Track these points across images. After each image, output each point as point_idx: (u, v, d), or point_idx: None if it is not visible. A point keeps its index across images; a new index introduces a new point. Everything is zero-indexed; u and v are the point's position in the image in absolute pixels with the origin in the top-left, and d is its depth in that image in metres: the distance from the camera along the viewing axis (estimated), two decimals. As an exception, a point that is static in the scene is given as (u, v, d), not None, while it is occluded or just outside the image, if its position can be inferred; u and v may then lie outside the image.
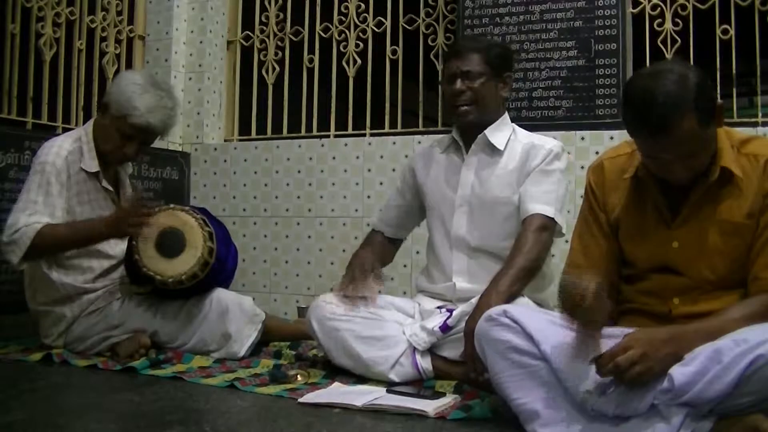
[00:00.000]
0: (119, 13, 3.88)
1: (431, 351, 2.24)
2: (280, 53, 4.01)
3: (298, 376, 2.27)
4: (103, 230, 2.51)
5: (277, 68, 4.01)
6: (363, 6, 3.83)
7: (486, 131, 2.39)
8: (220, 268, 2.68)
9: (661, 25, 3.31)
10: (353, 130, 3.84)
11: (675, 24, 3.29)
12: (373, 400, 1.96)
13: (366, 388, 2.15)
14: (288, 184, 3.83)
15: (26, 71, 3.36)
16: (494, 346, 1.73)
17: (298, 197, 3.80)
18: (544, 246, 2.25)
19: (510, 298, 2.09)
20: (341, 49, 3.86)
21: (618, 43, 3.29)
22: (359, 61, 3.81)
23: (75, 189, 2.59)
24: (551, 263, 2.45)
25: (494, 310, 1.77)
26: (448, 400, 1.99)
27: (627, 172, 1.79)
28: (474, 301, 2.16)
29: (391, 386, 2.13)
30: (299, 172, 3.81)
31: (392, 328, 2.30)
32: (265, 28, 4.07)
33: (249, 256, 3.83)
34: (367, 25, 3.82)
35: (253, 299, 2.78)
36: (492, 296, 2.08)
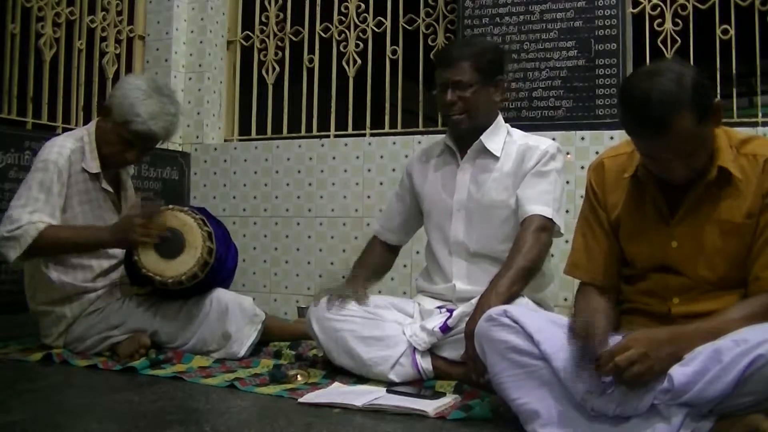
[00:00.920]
0: (119, 13, 3.88)
1: (431, 351, 2.24)
2: (280, 53, 4.01)
3: (298, 376, 2.27)
4: (107, 238, 2.51)
5: (277, 68, 4.01)
6: (363, 6, 3.84)
7: (482, 137, 2.37)
8: (220, 268, 2.68)
9: (661, 25, 3.31)
10: (353, 130, 3.84)
11: (675, 24, 3.29)
12: (373, 400, 1.96)
13: (366, 388, 2.15)
14: (288, 184, 3.83)
15: (26, 71, 3.36)
16: (494, 346, 1.73)
17: (298, 197, 3.80)
18: (544, 247, 2.25)
19: (509, 299, 2.09)
20: (341, 49, 3.86)
21: (618, 43, 3.29)
22: (359, 61, 3.81)
23: (75, 189, 2.59)
24: (551, 263, 2.45)
25: (494, 311, 1.78)
26: (448, 400, 1.99)
27: (627, 171, 1.79)
28: (474, 301, 2.16)
29: (391, 386, 2.13)
30: (299, 172, 3.81)
31: (392, 328, 2.30)
32: (265, 28, 4.07)
33: (249, 256, 3.83)
34: (367, 25, 3.82)
35: (253, 299, 2.78)
36: (491, 297, 2.08)
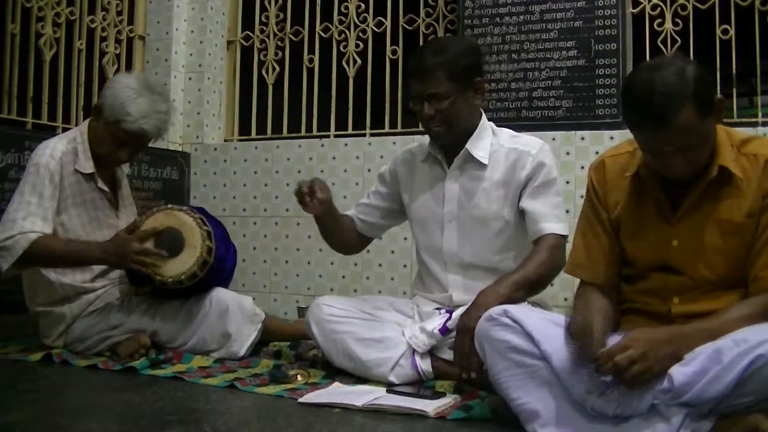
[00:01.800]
0: (119, 13, 3.88)
1: (431, 352, 2.23)
2: (280, 53, 4.01)
3: (298, 376, 2.27)
4: (98, 256, 2.51)
5: (277, 68, 4.01)
6: (363, 6, 3.84)
7: (467, 145, 2.30)
8: (220, 267, 2.68)
9: (661, 25, 3.31)
10: (353, 130, 3.84)
11: (675, 24, 3.29)
12: (373, 400, 1.96)
13: (366, 388, 2.15)
14: (288, 184, 3.82)
15: (26, 71, 3.37)
16: (494, 346, 1.73)
17: (298, 197, 3.79)
18: (556, 266, 2.19)
19: (509, 302, 2.03)
20: (341, 49, 3.86)
21: (618, 43, 3.29)
22: (359, 61, 3.81)
23: (69, 190, 2.58)
24: (556, 276, 2.43)
25: (495, 310, 1.77)
26: (448, 400, 1.99)
27: (628, 170, 1.79)
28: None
29: (391, 387, 2.13)
30: (299, 172, 3.81)
31: (391, 329, 2.30)
32: (265, 28, 4.07)
33: (249, 256, 3.83)
34: (367, 25, 3.82)
35: (253, 299, 2.77)
36: (491, 296, 2.06)
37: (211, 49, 4.09)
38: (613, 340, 1.59)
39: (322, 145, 3.79)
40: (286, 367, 2.40)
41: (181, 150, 4.05)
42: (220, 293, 2.67)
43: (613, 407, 1.57)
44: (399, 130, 3.72)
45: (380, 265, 3.54)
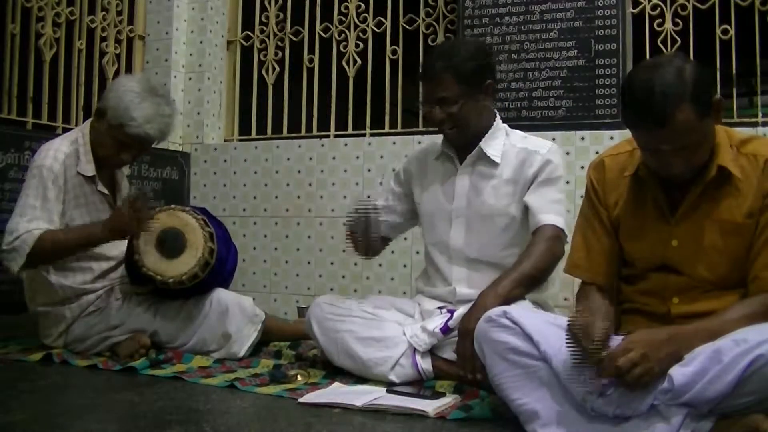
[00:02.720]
0: (119, 13, 3.88)
1: (431, 352, 2.24)
2: (280, 53, 4.01)
3: (298, 376, 2.27)
4: (101, 234, 2.50)
5: (277, 68, 4.01)
6: (363, 6, 3.84)
7: (481, 144, 2.33)
8: (221, 268, 2.68)
9: (661, 25, 3.31)
10: (353, 130, 3.84)
11: (675, 24, 3.29)
12: (373, 400, 1.96)
13: (366, 388, 2.15)
14: (288, 184, 3.83)
15: (26, 71, 3.37)
16: (494, 347, 1.73)
17: (298, 197, 3.80)
18: (555, 257, 2.21)
19: (509, 301, 2.05)
20: (341, 49, 3.86)
21: (618, 43, 3.29)
22: (359, 61, 3.81)
23: (72, 193, 2.58)
24: (555, 268, 2.43)
25: (494, 312, 1.77)
26: (448, 400, 1.99)
27: (627, 170, 1.79)
28: (475, 302, 2.17)
29: (391, 387, 2.13)
30: (299, 172, 3.81)
31: (392, 328, 2.30)
32: (265, 28, 4.07)
33: (249, 256, 3.83)
34: (367, 25, 3.82)
35: (253, 299, 2.78)
36: (490, 296, 2.07)
37: (211, 49, 4.09)
38: (614, 341, 1.59)
39: (322, 145, 3.79)
40: (286, 367, 2.40)
41: (181, 150, 4.05)
42: (220, 294, 2.67)
43: (613, 408, 1.57)
44: (399, 130, 3.72)
45: (380, 265, 3.54)
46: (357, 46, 3.82)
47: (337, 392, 2.09)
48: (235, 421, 1.83)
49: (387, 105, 3.76)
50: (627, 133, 1.72)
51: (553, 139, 3.19)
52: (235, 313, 2.62)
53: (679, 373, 1.50)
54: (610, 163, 1.86)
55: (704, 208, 1.70)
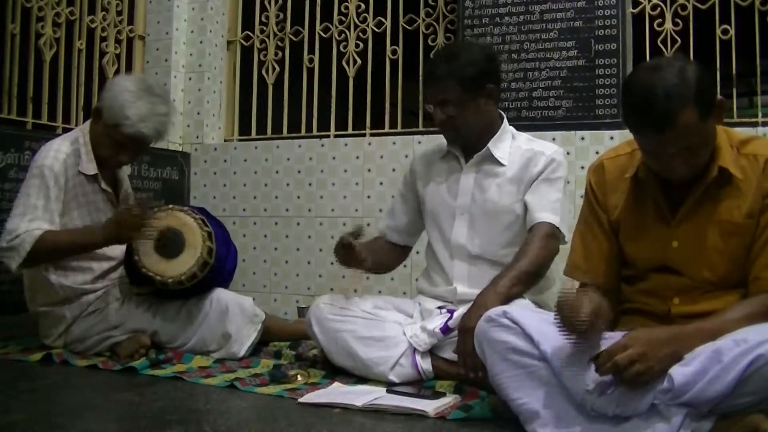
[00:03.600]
0: (119, 13, 3.88)
1: (431, 352, 2.24)
2: (280, 53, 4.01)
3: (298, 376, 2.27)
4: (102, 237, 2.50)
5: (277, 68, 4.01)
6: (363, 6, 3.84)
7: (489, 145, 2.35)
8: (220, 268, 2.68)
9: (661, 25, 3.31)
10: (353, 130, 3.84)
11: (675, 24, 3.29)
12: (373, 400, 1.96)
13: (366, 388, 2.15)
14: (288, 184, 3.83)
15: (26, 71, 3.37)
16: (494, 347, 1.73)
17: (298, 197, 3.80)
18: (550, 254, 2.23)
19: (508, 300, 2.08)
20: (341, 49, 3.86)
21: (618, 43, 3.29)
22: (359, 61, 3.81)
23: (72, 192, 2.58)
24: (551, 265, 2.44)
25: (494, 311, 1.77)
26: (448, 400, 1.99)
27: (627, 171, 1.79)
28: (475, 301, 2.17)
29: (391, 386, 2.13)
30: (299, 172, 3.81)
31: (392, 328, 2.30)
32: (265, 28, 4.07)
33: (249, 256, 3.83)
34: (367, 25, 3.82)
35: (253, 299, 2.78)
36: (490, 296, 2.08)
37: (211, 49, 4.09)
38: (614, 338, 1.59)
39: (322, 145, 3.79)
40: (286, 367, 2.40)
41: (181, 150, 4.05)
42: (220, 294, 2.68)
43: (613, 407, 1.57)
44: (399, 130, 3.72)
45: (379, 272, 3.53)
46: (357, 46, 3.82)
47: (337, 392, 2.09)
48: (235, 421, 1.83)
49: (387, 105, 3.76)
50: (627, 134, 1.72)
51: (553, 139, 3.20)
52: (235, 313, 2.62)
53: (679, 372, 1.50)
54: (610, 166, 1.86)
55: (704, 209, 1.70)
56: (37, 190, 2.49)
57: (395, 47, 3.74)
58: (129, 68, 3.94)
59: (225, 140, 4.15)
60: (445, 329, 2.20)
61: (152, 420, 1.82)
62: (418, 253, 3.33)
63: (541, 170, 2.31)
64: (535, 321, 1.73)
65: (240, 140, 4.12)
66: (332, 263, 3.62)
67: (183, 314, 2.64)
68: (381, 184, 3.62)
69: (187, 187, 4.02)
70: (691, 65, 1.61)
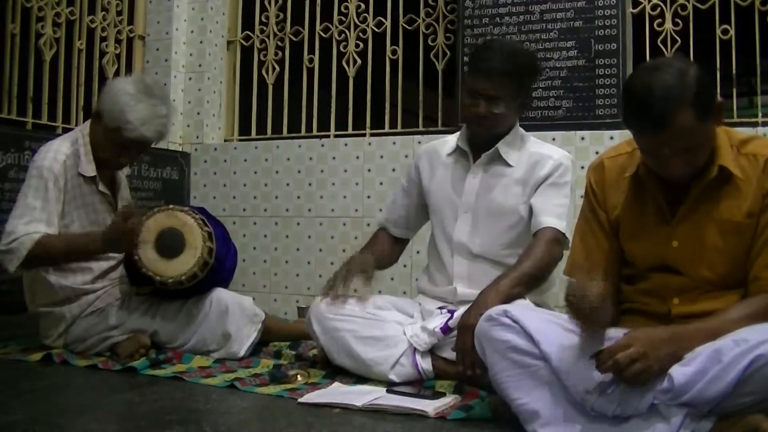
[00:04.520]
0: (119, 13, 3.88)
1: (432, 351, 2.24)
2: (280, 53, 4.01)
3: (298, 376, 2.27)
4: (100, 246, 2.50)
5: (277, 68, 4.01)
6: (363, 6, 3.84)
7: (498, 146, 2.35)
8: (220, 268, 2.68)
9: (661, 25, 3.31)
10: (353, 130, 3.84)
11: (675, 24, 3.29)
12: (373, 400, 1.96)
13: (366, 388, 2.15)
14: (288, 184, 3.83)
15: (26, 71, 3.37)
16: (494, 346, 1.73)
17: (298, 197, 3.80)
18: (554, 259, 2.24)
19: (508, 300, 2.08)
20: (341, 49, 3.86)
21: (618, 43, 3.29)
22: (359, 61, 3.81)
23: (71, 194, 2.58)
24: (554, 269, 2.44)
25: (494, 310, 1.78)
26: (448, 400, 1.99)
27: (627, 171, 1.79)
28: (475, 301, 2.18)
29: (391, 386, 2.13)
30: (299, 172, 3.81)
31: (392, 328, 2.30)
32: (265, 28, 4.07)
33: (249, 256, 3.83)
34: (367, 25, 3.82)
35: (253, 299, 2.78)
36: (491, 295, 2.08)
37: (211, 49, 4.09)
38: (614, 334, 1.59)
39: (322, 145, 3.79)
40: (286, 367, 2.40)
41: (181, 150, 4.05)
42: (220, 293, 2.67)
43: (613, 407, 1.58)
44: (399, 130, 3.72)
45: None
46: (357, 46, 3.82)
47: (337, 392, 2.09)
48: (235, 421, 1.83)
49: (387, 105, 3.77)
50: (627, 134, 1.72)
51: (553, 139, 3.20)
52: (235, 313, 2.62)
53: (679, 372, 1.50)
54: (610, 165, 1.86)
55: (704, 208, 1.70)
56: (36, 191, 2.49)
57: (395, 47, 3.74)
58: (129, 68, 3.95)
59: (225, 140, 4.16)
60: (446, 329, 2.21)
61: (152, 420, 1.81)
62: (418, 252, 3.34)
63: (548, 173, 2.31)
64: (535, 320, 1.73)
65: (240, 140, 4.12)
66: (332, 263, 3.64)
67: (183, 314, 2.64)
68: (381, 184, 3.62)
69: (187, 187, 4.02)
70: (691, 67, 1.61)
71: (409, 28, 3.73)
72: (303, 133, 3.96)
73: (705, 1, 3.26)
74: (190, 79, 4.09)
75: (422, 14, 3.71)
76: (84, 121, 2.77)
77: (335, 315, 2.33)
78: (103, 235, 2.49)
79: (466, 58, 3.44)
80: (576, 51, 3.36)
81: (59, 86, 3.51)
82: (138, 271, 2.53)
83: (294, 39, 3.99)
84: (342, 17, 3.88)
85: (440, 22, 3.68)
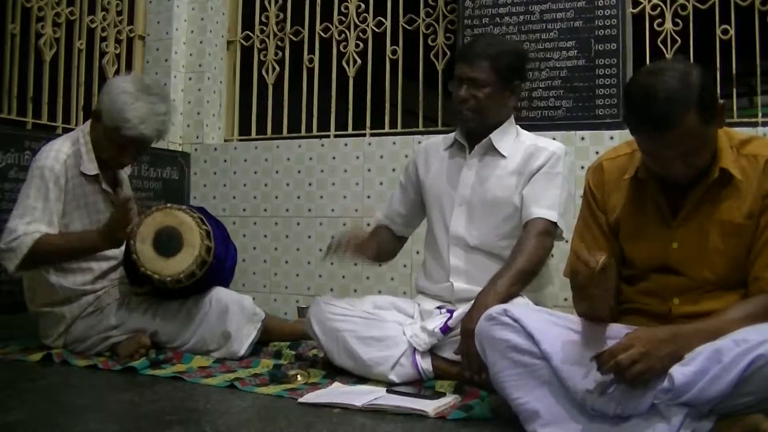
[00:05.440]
0: (119, 13, 3.88)
1: (431, 351, 2.24)
2: (280, 53, 4.01)
3: (298, 376, 2.27)
4: (98, 242, 2.50)
5: (277, 68, 4.01)
6: (363, 6, 3.83)
7: (491, 136, 2.38)
8: (219, 266, 2.68)
9: (661, 25, 3.31)
10: (353, 130, 3.84)
11: (675, 24, 3.29)
12: (373, 400, 1.96)
13: (366, 388, 2.15)
14: (288, 184, 3.83)
15: (26, 71, 3.36)
16: (494, 346, 1.74)
17: (298, 197, 3.80)
18: (546, 251, 2.26)
19: (507, 299, 2.10)
20: (341, 49, 3.86)
21: (618, 43, 3.29)
22: (359, 61, 3.81)
23: (73, 193, 2.58)
24: (550, 263, 2.45)
25: (494, 310, 1.78)
26: (448, 400, 1.99)
27: (627, 172, 1.79)
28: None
29: (391, 386, 2.13)
30: (299, 172, 3.81)
31: (392, 328, 2.31)
32: (265, 28, 4.07)
33: (249, 256, 3.83)
34: (367, 25, 3.81)
35: (253, 299, 2.78)
36: (490, 296, 2.09)
37: (211, 49, 4.09)
38: (614, 333, 1.59)
39: (322, 145, 3.79)
40: (286, 367, 2.40)
41: (181, 150, 4.05)
42: (219, 293, 2.68)
43: (613, 407, 1.58)
44: (399, 130, 3.72)
45: (380, 265, 3.53)
46: (357, 46, 3.82)
47: (337, 392, 2.09)
48: (235, 421, 1.83)
49: (387, 105, 3.76)
50: (627, 134, 1.71)
51: (553, 139, 3.19)
52: (235, 312, 2.62)
53: (679, 372, 1.50)
54: (609, 166, 1.86)
55: (705, 210, 1.70)
56: (37, 191, 2.49)
57: (395, 47, 3.74)
58: (129, 68, 3.94)
59: (225, 140, 4.15)
60: (445, 329, 2.21)
61: (152, 420, 1.82)
62: (417, 253, 3.34)
63: (542, 164, 2.33)
64: (535, 319, 1.73)
65: (240, 140, 4.12)
66: (332, 263, 3.64)
67: (183, 314, 2.64)
68: (381, 184, 3.62)
69: (187, 187, 4.02)
70: (694, 69, 1.60)
71: (409, 28, 3.73)
72: (303, 133, 3.95)
73: (705, 1, 3.26)
74: (190, 79, 4.09)
75: (422, 14, 3.70)
76: (84, 121, 2.77)
77: (335, 315, 2.33)
78: (100, 228, 2.50)
79: (466, 58, 3.44)
80: (576, 51, 3.36)
81: (59, 86, 3.51)
82: (136, 271, 2.53)
83: (294, 39, 3.98)
84: (342, 17, 3.87)
85: (440, 22, 3.68)
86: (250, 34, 4.11)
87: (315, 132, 3.94)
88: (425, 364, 2.22)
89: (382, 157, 3.63)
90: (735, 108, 3.22)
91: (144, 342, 2.56)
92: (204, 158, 4.03)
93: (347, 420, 1.85)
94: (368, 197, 3.64)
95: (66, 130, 3.21)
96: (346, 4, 3.87)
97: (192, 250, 2.53)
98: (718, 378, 1.46)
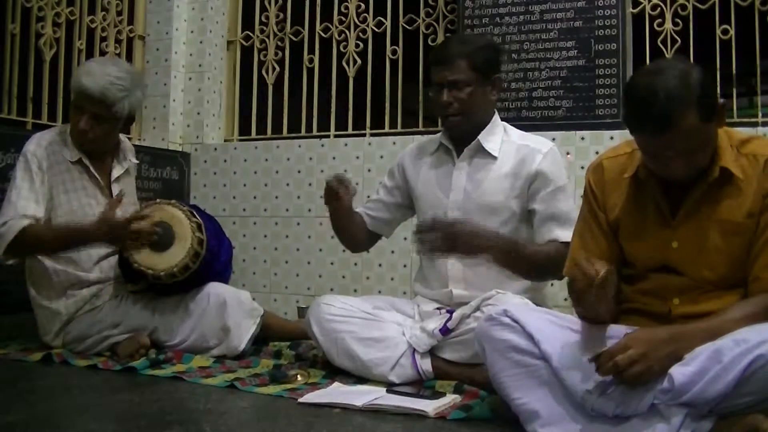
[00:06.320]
0: (119, 13, 3.88)
1: (431, 352, 2.24)
2: (280, 53, 4.01)
3: (298, 376, 2.27)
4: (90, 236, 2.50)
5: (277, 68, 4.01)
6: (363, 6, 3.83)
7: (479, 137, 2.34)
8: (213, 260, 2.69)
9: (661, 25, 3.31)
10: (353, 130, 3.84)
11: (675, 24, 3.29)
12: (373, 400, 1.96)
13: (366, 388, 2.15)
14: (288, 184, 3.83)
15: (26, 71, 3.36)
16: (495, 345, 1.74)
17: (298, 197, 3.80)
18: (557, 270, 2.16)
19: (507, 260, 2.13)
20: (341, 49, 3.86)
21: (618, 43, 3.29)
22: (359, 61, 3.81)
23: (58, 178, 2.61)
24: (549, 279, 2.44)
25: (495, 310, 1.79)
26: (448, 400, 1.99)
27: (627, 171, 1.79)
28: (474, 303, 2.18)
29: (391, 387, 2.13)
30: (299, 172, 3.81)
31: (392, 329, 2.30)
32: (265, 28, 4.07)
33: (249, 256, 3.83)
34: (367, 25, 3.82)
35: (254, 299, 2.77)
36: (501, 239, 2.14)
37: (211, 49, 4.09)
38: (614, 333, 1.59)
39: (322, 145, 3.79)
40: (286, 367, 2.40)
41: (181, 150, 4.05)
42: (217, 288, 2.68)
43: (613, 407, 1.58)
44: (399, 130, 3.72)
45: (380, 265, 3.54)
46: (357, 46, 3.82)
47: (337, 392, 2.09)
48: (235, 421, 1.84)
49: (387, 105, 3.76)
50: (627, 134, 1.71)
51: (553, 139, 3.19)
52: (234, 307, 2.63)
53: (679, 372, 1.50)
54: (609, 165, 1.86)
55: (705, 209, 1.70)
56: (23, 173, 2.56)
57: (395, 47, 3.74)
58: (129, 68, 3.94)
59: (225, 140, 4.15)
60: (445, 330, 2.21)
61: (152, 420, 1.82)
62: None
63: (540, 169, 2.28)
64: (535, 320, 1.73)
65: (240, 140, 4.12)
66: (332, 263, 3.65)
67: (181, 310, 2.64)
68: (381, 184, 3.61)
69: (187, 187, 4.02)
70: (694, 68, 1.60)
71: (409, 28, 3.73)
72: (303, 133, 3.95)
73: (705, 1, 3.26)
74: (190, 79, 4.09)
75: (422, 14, 3.70)
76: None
77: (334, 316, 2.33)
78: (92, 226, 2.49)
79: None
80: (576, 51, 3.36)
81: (59, 86, 3.51)
82: (130, 267, 2.53)
83: (294, 39, 3.98)
84: (342, 17, 3.87)
85: (440, 22, 3.68)
86: (250, 34, 4.11)
87: (315, 132, 3.94)
88: (425, 364, 2.22)
89: (382, 157, 3.63)
90: (735, 108, 3.22)
91: (144, 342, 2.56)
92: (204, 158, 4.03)
93: (347, 420, 1.85)
94: (368, 197, 3.63)
95: (66, 130, 3.21)
96: (346, 4, 3.87)
97: (184, 242, 2.54)
98: (718, 378, 1.46)
